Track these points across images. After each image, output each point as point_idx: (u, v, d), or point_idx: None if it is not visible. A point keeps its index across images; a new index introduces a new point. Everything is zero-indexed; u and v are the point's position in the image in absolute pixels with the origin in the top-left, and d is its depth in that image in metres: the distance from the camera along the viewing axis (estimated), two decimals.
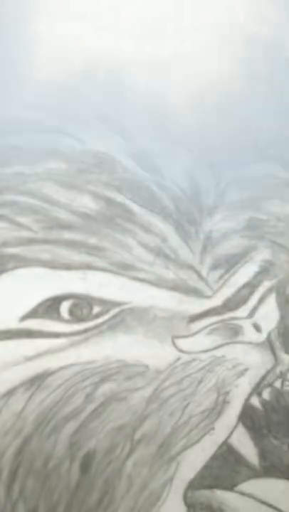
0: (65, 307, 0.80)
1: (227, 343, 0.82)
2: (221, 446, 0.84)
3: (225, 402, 0.84)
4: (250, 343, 0.82)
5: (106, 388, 0.82)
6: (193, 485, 0.83)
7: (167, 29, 0.75)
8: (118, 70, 0.77)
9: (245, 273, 0.82)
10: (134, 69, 0.77)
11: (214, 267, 0.81)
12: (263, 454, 0.85)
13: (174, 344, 0.81)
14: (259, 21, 0.75)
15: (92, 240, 0.79)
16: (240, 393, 0.84)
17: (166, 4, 0.74)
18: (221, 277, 0.81)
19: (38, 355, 0.82)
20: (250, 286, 0.82)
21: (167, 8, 0.74)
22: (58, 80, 0.78)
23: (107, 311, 0.81)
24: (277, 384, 0.84)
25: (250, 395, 0.85)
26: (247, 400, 0.85)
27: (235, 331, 0.81)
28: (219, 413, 0.84)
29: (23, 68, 0.77)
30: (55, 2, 0.75)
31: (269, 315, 0.82)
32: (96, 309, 0.80)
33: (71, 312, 0.81)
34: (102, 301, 0.80)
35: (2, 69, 0.77)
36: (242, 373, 0.83)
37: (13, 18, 0.75)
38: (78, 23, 0.75)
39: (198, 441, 0.85)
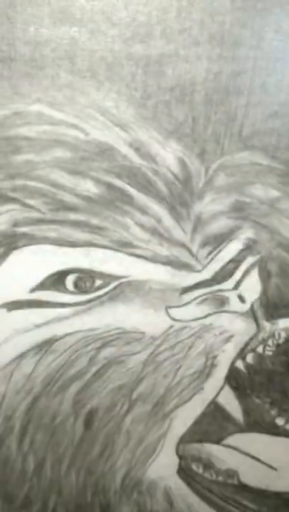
0: (70, 280, 0.82)
1: (215, 313, 0.84)
2: (209, 405, 0.87)
3: (213, 365, 0.85)
4: (235, 312, 0.84)
5: (107, 352, 0.84)
6: (184, 439, 0.88)
7: (155, 31, 0.76)
8: (114, 69, 0.78)
9: (231, 250, 0.83)
10: (129, 68, 0.78)
11: (203, 244, 0.82)
12: (246, 412, 0.88)
13: (167, 313, 0.83)
14: (242, 24, 0.76)
15: (95, 221, 0.80)
16: (226, 357, 0.86)
17: (154, 9, 0.75)
18: (209, 254, 0.83)
19: (46, 323, 0.84)
20: (236, 261, 0.83)
21: (155, 13, 0.75)
22: (61, 77, 0.78)
23: (108, 284, 0.83)
24: (260, 349, 0.86)
25: (236, 359, 0.86)
26: (232, 363, 0.86)
27: (222, 302, 0.83)
28: (208, 375, 0.85)
29: (30, 67, 0.78)
30: (55, 8, 0.76)
31: (252, 287, 0.84)
32: (98, 282, 0.82)
33: (76, 285, 0.82)
34: (103, 275, 0.82)
35: (13, 67, 0.77)
36: (228, 339, 0.85)
37: (20, 20, 0.76)
38: (75, 27, 0.76)
39: (189, 400, 0.86)
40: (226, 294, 0.84)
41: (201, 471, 0.88)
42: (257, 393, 0.88)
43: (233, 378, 0.87)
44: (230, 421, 0.88)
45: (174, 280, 0.83)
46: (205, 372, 0.85)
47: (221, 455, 0.88)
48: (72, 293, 0.83)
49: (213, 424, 0.88)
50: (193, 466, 0.88)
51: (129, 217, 0.81)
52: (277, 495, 0.88)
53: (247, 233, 0.83)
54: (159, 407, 0.86)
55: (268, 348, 0.86)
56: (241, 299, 0.84)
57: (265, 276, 0.84)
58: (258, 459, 0.88)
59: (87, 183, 0.81)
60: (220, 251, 0.83)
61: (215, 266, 0.83)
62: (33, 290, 0.83)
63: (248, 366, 0.87)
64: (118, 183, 0.81)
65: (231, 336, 0.85)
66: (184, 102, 0.79)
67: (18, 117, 0.80)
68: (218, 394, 0.87)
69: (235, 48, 0.78)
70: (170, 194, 0.81)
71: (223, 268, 0.83)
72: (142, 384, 0.85)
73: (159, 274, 0.83)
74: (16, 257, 0.82)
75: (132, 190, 0.81)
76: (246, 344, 0.86)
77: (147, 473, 0.87)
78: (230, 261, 0.83)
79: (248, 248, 0.84)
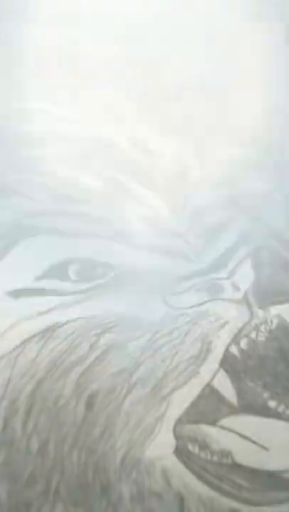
0: (72, 269, 0.84)
1: (210, 300, 0.85)
2: (204, 388, 0.87)
3: (208, 350, 0.86)
4: (229, 299, 0.85)
5: (107, 338, 0.85)
6: (181, 420, 0.87)
7: (152, 32, 0.78)
8: (115, 68, 0.80)
9: (225, 240, 0.84)
10: (128, 67, 0.80)
11: (199, 235, 0.84)
12: (240, 394, 0.88)
13: (164, 301, 0.85)
14: (236, 26, 0.78)
15: (96, 212, 0.82)
16: (221, 343, 0.87)
17: (151, 11, 0.78)
18: (204, 244, 0.84)
19: (50, 310, 0.85)
20: (230, 252, 0.84)
21: (152, 14, 0.78)
22: (64, 76, 0.80)
23: (108, 273, 0.84)
24: (253, 335, 0.87)
25: (230, 344, 0.87)
26: (227, 348, 0.87)
27: (217, 290, 0.85)
28: (203, 360, 0.86)
29: (35, 67, 0.80)
30: (57, 11, 0.78)
31: (245, 276, 0.85)
32: (99, 271, 0.84)
33: (77, 274, 0.84)
34: (103, 264, 0.84)
35: (19, 67, 0.80)
36: (222, 326, 0.86)
37: (25, 22, 0.79)
38: (76, 29, 0.79)
39: (185, 383, 0.86)
40: (221, 282, 0.85)
41: (196, 451, 0.88)
42: (250, 377, 0.88)
43: (228, 363, 0.87)
44: (224, 403, 0.88)
45: (171, 269, 0.84)
46: (201, 357, 0.86)
47: (216, 436, 0.88)
48: (74, 281, 0.85)
49: (209, 406, 0.88)
50: (190, 447, 0.88)
51: (128, 209, 0.83)
52: (270, 474, 0.88)
53: (240, 224, 0.85)
54: (157, 390, 0.86)
55: (260, 333, 0.87)
56: (235, 287, 0.85)
57: (257, 266, 0.85)
58: (251, 440, 0.88)
59: (89, 176, 0.82)
60: (215, 241, 0.85)
61: (210, 256, 0.85)
62: (37, 279, 0.85)
63: (241, 351, 0.88)
64: (118, 176, 0.83)
65: (226, 323, 0.86)
66: (180, 99, 0.81)
67: (23, 115, 0.82)
68: (213, 377, 0.87)
69: (230, 48, 0.80)
70: (167, 187, 0.83)
71: (217, 258, 0.85)
72: (140, 368, 0.86)
73: (157, 263, 0.84)
74: (21, 248, 0.84)
75: (131, 183, 0.83)
76: (240, 330, 0.87)
77: (146, 453, 0.87)
78: (225, 251, 0.85)
79: (242, 239, 0.85)
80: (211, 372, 0.88)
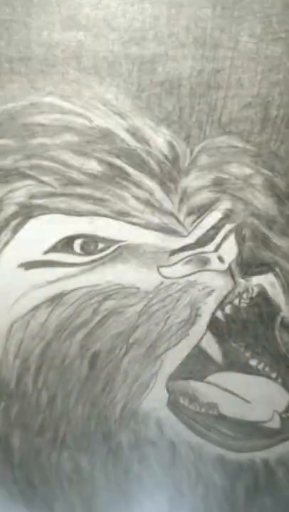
0: (77, 244, 0.87)
1: (198, 271, 0.88)
2: (193, 348, 0.90)
3: (197, 315, 0.89)
4: (215, 270, 0.88)
5: (108, 304, 0.88)
6: (173, 377, 0.91)
7: (148, 35, 0.80)
8: (114, 67, 0.81)
9: (212, 218, 0.86)
10: (126, 66, 0.81)
11: (189, 214, 0.86)
12: (225, 354, 0.92)
13: (158, 272, 0.88)
14: (221, 30, 0.80)
15: (98, 194, 0.84)
16: (208, 309, 0.89)
17: (148, 16, 0.79)
18: (194, 222, 0.86)
19: (57, 280, 0.88)
20: (216, 228, 0.86)
21: (148, 19, 0.79)
22: (70, 73, 0.82)
23: (109, 247, 0.87)
24: (236, 302, 0.90)
25: (216, 310, 0.89)
26: (213, 313, 0.89)
27: (204, 262, 0.87)
28: (192, 323, 0.89)
29: (44, 65, 0.81)
30: (65, 15, 0.80)
31: (230, 250, 0.88)
32: (100, 246, 0.87)
33: (82, 248, 0.87)
34: (105, 240, 0.87)
35: (29, 65, 0.81)
36: (209, 294, 0.88)
37: (35, 26, 0.80)
38: (82, 32, 0.80)
39: (176, 344, 0.89)
40: (208, 255, 0.87)
41: (187, 403, 0.92)
42: (234, 338, 0.92)
43: (214, 326, 0.90)
44: (211, 362, 0.92)
45: (164, 244, 0.87)
46: (190, 321, 0.89)
47: (204, 390, 0.92)
48: (79, 255, 0.87)
49: (197, 364, 0.91)
50: (181, 400, 0.92)
51: (126, 191, 0.85)
52: (251, 423, 0.92)
53: (225, 204, 0.87)
54: (151, 350, 0.89)
55: (243, 300, 0.90)
56: (221, 259, 0.88)
57: (240, 241, 0.88)
58: (234, 394, 0.92)
59: (92, 162, 0.85)
60: (203, 219, 0.87)
61: (198, 232, 0.87)
62: (46, 252, 0.88)
63: (226, 316, 0.90)
64: (117, 162, 0.85)
65: (212, 291, 0.89)
66: (172, 94, 0.83)
67: (34, 107, 0.84)
68: (201, 339, 0.90)
69: (215, 50, 0.82)
70: (161, 171, 0.85)
71: (205, 234, 0.87)
72: (137, 331, 0.89)
73: (152, 238, 0.87)
74: (32, 225, 0.87)
75: (129, 168, 0.85)
76: (225, 297, 0.89)
77: (142, 405, 0.91)
78: (212, 228, 0.87)
79: (226, 217, 0.87)
80: (199, 335, 0.90)
